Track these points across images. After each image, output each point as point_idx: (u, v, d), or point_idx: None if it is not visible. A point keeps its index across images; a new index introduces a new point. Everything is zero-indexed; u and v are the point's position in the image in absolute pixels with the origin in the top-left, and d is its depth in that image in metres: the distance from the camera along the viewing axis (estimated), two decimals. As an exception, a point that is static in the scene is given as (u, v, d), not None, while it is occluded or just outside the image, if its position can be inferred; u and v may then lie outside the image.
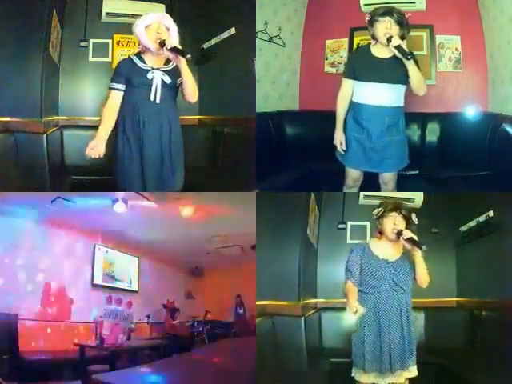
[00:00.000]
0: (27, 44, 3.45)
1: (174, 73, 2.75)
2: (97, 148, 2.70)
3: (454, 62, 4.38)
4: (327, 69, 4.77)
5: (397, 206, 2.48)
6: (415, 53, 4.20)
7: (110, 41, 4.49)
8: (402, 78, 3.04)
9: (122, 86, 2.73)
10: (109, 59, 4.46)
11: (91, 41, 4.43)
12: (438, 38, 4.39)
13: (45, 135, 3.63)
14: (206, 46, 4.27)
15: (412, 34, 4.33)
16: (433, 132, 4.28)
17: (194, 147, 4.26)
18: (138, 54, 2.79)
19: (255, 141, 3.44)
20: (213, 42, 4.17)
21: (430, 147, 4.27)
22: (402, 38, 2.98)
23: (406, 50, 2.93)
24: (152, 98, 2.71)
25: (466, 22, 4.27)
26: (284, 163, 4.13)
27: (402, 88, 3.11)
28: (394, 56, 2.99)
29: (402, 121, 3.18)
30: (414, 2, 4.31)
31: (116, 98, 2.75)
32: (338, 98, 3.21)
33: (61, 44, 4.22)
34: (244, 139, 3.68)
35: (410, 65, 2.97)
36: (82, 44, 4.39)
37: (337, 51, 4.72)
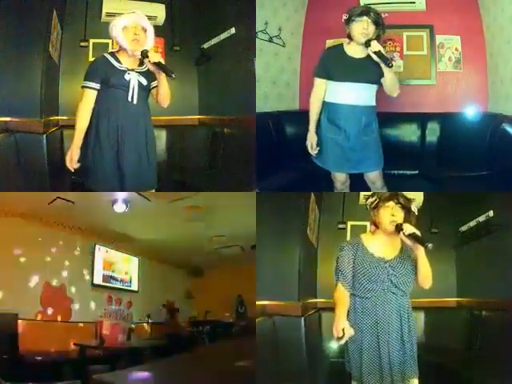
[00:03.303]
0: (27, 44, 3.44)
1: (149, 75, 2.77)
2: (74, 158, 2.70)
3: (454, 62, 4.38)
4: (327, 69, 4.77)
5: (394, 195, 2.20)
6: (415, 53, 4.29)
7: (109, 41, 4.47)
8: (376, 77, 3.03)
9: (97, 86, 2.71)
10: (109, 59, 4.46)
11: (91, 41, 4.42)
12: (438, 38, 4.38)
13: (45, 135, 3.62)
14: (205, 45, 4.27)
15: (412, 33, 4.41)
16: (433, 132, 4.27)
17: (194, 147, 4.26)
18: (112, 53, 2.78)
19: (255, 141, 3.44)
20: (213, 42, 4.17)
21: (430, 147, 4.26)
22: (378, 37, 2.98)
23: (386, 55, 2.93)
24: (130, 99, 2.72)
25: (466, 21, 4.26)
26: (284, 163, 4.13)
27: (374, 88, 3.11)
28: (369, 56, 2.98)
29: (376, 120, 3.16)
30: (413, 2, 4.31)
31: (91, 97, 2.73)
32: (312, 98, 3.17)
33: (61, 44, 4.21)
34: (244, 139, 3.68)
35: (387, 69, 2.96)
36: (82, 44, 4.38)
37: (337, 51, 4.71)
